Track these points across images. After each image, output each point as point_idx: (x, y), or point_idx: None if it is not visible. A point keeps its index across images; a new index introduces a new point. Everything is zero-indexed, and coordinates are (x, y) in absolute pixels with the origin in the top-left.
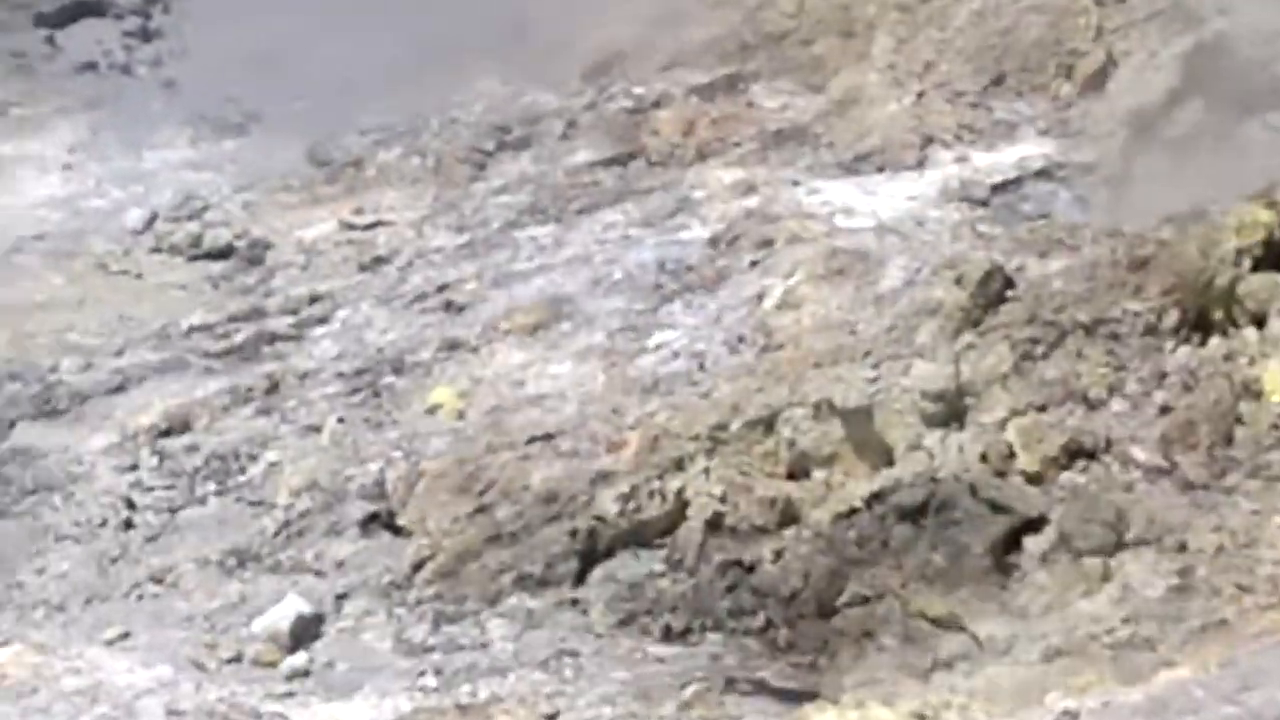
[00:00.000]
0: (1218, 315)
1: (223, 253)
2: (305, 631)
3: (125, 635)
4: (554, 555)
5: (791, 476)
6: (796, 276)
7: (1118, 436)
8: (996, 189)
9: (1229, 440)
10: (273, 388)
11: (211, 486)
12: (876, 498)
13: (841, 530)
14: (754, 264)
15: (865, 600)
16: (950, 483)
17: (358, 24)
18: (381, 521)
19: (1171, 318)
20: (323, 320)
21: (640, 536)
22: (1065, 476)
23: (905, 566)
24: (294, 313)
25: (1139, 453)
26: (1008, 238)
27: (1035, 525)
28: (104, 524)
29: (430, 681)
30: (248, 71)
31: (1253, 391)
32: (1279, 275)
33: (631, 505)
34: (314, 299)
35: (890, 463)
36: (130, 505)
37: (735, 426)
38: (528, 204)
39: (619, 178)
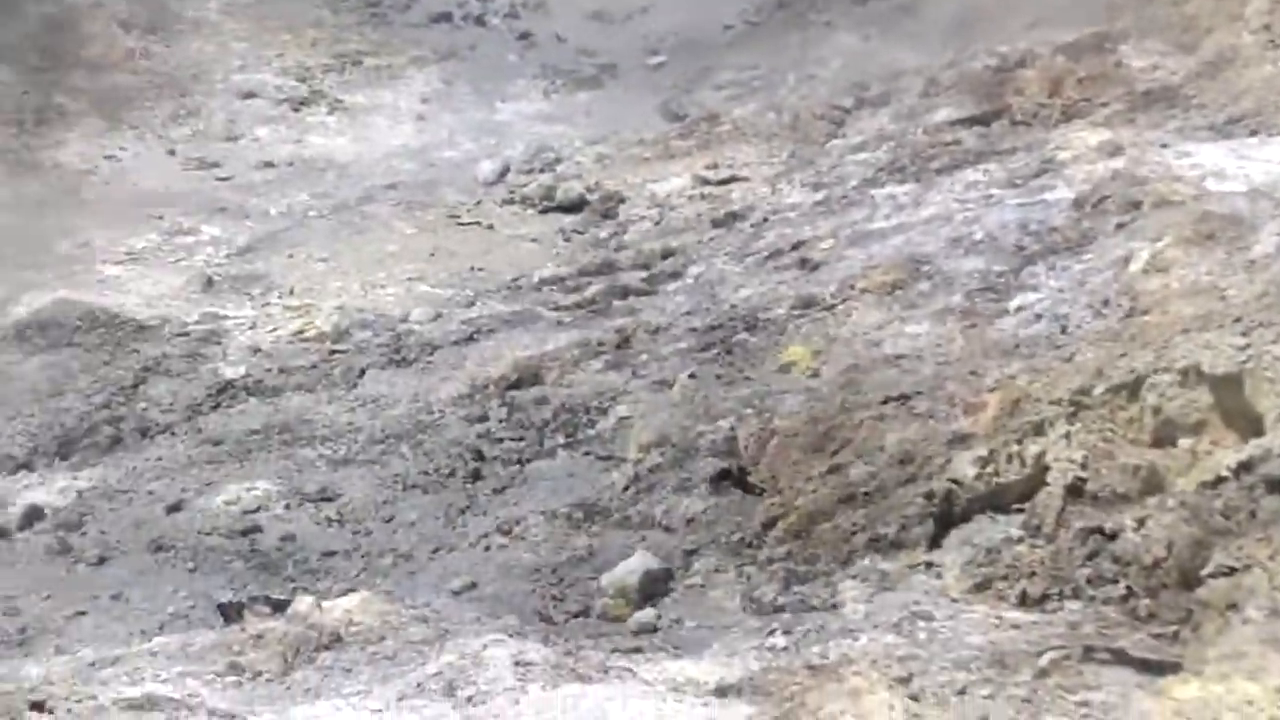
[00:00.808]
0: None
1: (575, 206)
2: (653, 587)
3: (472, 586)
4: (908, 517)
5: (1156, 444)
6: (1164, 240)
7: None
8: None
9: None
10: (624, 342)
11: (560, 439)
12: (1245, 467)
13: (1207, 500)
14: (1120, 227)
15: (1231, 571)
16: None
17: None
18: (732, 479)
19: None
20: (675, 275)
21: (998, 501)
22: None
23: (1274, 539)
24: (646, 267)
25: None
26: None
27: None
28: (452, 474)
29: (780, 641)
30: (603, 25)
31: None
32: None
33: (989, 469)
34: (666, 254)
35: (1260, 432)
36: (479, 456)
37: (1098, 391)
38: (886, 162)
39: (981, 137)
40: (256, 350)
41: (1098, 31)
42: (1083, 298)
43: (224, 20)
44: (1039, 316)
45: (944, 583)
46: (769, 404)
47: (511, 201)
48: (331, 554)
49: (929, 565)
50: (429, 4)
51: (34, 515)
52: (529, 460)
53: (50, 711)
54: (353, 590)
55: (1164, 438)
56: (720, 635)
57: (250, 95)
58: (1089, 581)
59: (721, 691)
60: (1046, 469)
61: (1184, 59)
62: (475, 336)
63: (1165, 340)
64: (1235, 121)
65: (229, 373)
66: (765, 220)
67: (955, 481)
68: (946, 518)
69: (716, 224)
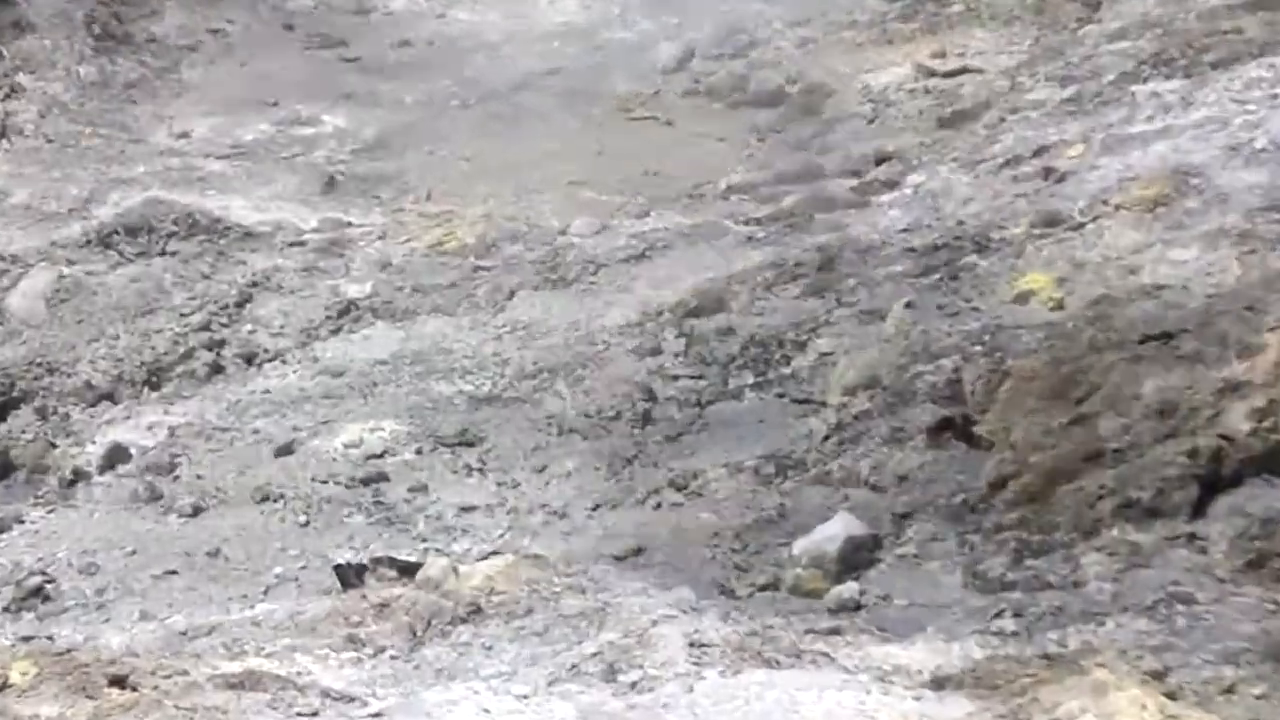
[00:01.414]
0: None
1: (772, 99)
2: (857, 557)
3: (639, 551)
4: (1167, 480)
5: None
6: None
7: None
8: None
9: None
10: (827, 263)
11: (748, 378)
12: None
13: None
14: None
15: None
16: None
17: None
18: (954, 429)
19: None
20: (891, 184)
21: (1276, 462)
22: None
23: None
24: (856, 174)
25: None
26: None
27: None
28: (618, 417)
29: (1009, 624)
30: None
31: None
32: None
33: (1267, 424)
34: (881, 158)
35: None
36: (650, 396)
37: None
38: (1150, 53)
39: (1267, 25)
40: (386, 265)
41: None
42: None
43: None
44: None
45: (1209, 559)
46: (1001, 341)
47: (695, 93)
48: (471, 509)
49: (1191, 538)
50: None
51: (118, 456)
52: (710, 402)
53: (133, 688)
54: (495, 553)
55: None
56: (936, 616)
57: None
58: None
59: (938, 683)
60: None
61: None
62: (648, 254)
63: None
64: None
65: (352, 291)
66: (1002, 121)
67: (1225, 438)
68: (1213, 481)
69: (943, 124)
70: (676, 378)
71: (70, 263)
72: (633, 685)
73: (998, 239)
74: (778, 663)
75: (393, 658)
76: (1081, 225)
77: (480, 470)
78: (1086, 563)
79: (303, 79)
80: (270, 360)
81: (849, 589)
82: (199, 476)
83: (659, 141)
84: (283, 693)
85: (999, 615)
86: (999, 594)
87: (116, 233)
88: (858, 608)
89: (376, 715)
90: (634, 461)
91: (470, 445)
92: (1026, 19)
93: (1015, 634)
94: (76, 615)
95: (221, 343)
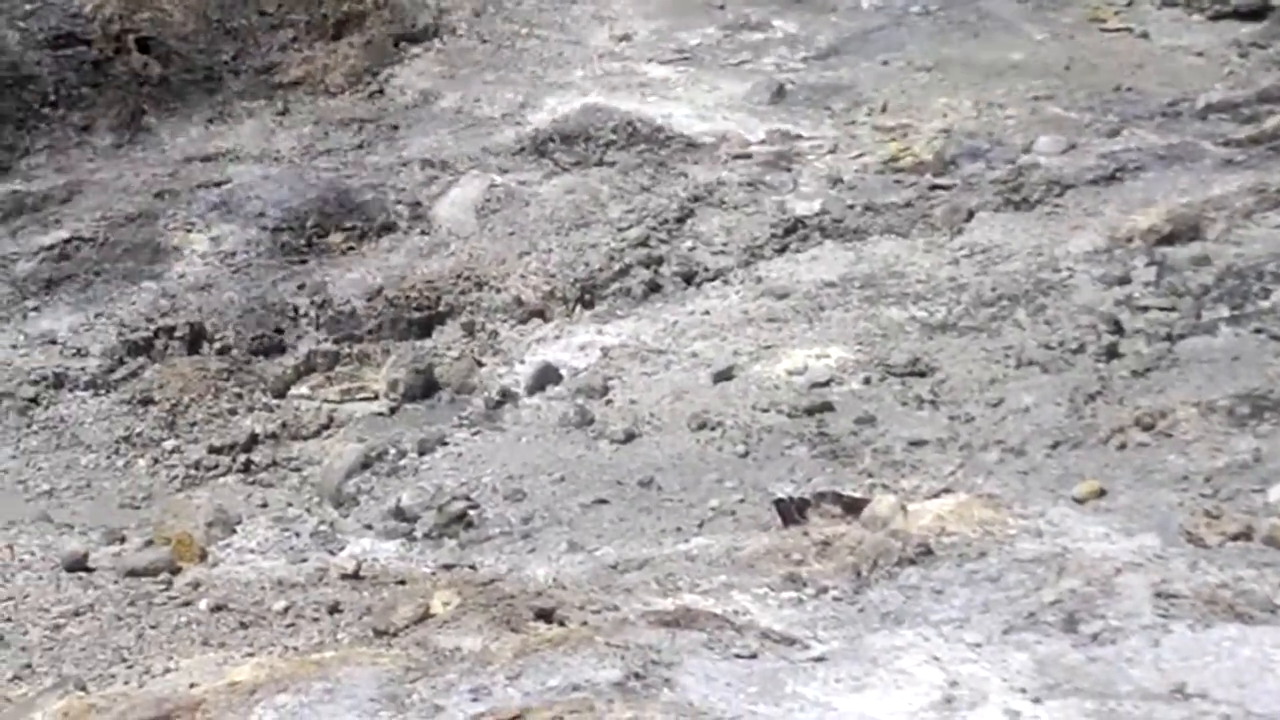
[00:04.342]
0: None
1: (1256, 11)
2: None
3: (1101, 493)
4: None
5: None
6: None
7: None
8: None
9: None
10: None
11: (1224, 312)
12: None
13: None
14: None
15: None
16: None
17: None
18: None
19: None
20: None
21: None
22: None
23: None
24: None
25: None
26: None
27: None
28: (1081, 349)
29: None
30: None
31: None
32: None
33: None
34: None
35: None
36: (1117, 328)
37: None
38: None
39: None
40: (837, 181)
41: None
42: None
43: None
44: None
45: None
46: None
47: (1172, 3)
48: (921, 443)
49: None
50: None
51: (547, 377)
52: (1181, 337)
53: (561, 623)
54: (947, 491)
55: None
56: None
57: None
58: None
59: None
60: None
61: None
62: (1118, 175)
63: None
64: None
65: (800, 208)
66: None
67: None
68: None
69: None
70: (1145, 309)
71: (502, 171)
72: (1094, 637)
73: None
74: (1251, 618)
75: (835, 599)
76: None
77: (932, 402)
78: None
79: None
80: (710, 280)
81: None
82: (632, 401)
83: (1132, 54)
84: (719, 632)
85: None
86: None
87: (552, 140)
88: None
89: (819, 659)
90: (1097, 398)
91: (922, 375)
92: None
93: None
94: (500, 544)
95: (660, 260)
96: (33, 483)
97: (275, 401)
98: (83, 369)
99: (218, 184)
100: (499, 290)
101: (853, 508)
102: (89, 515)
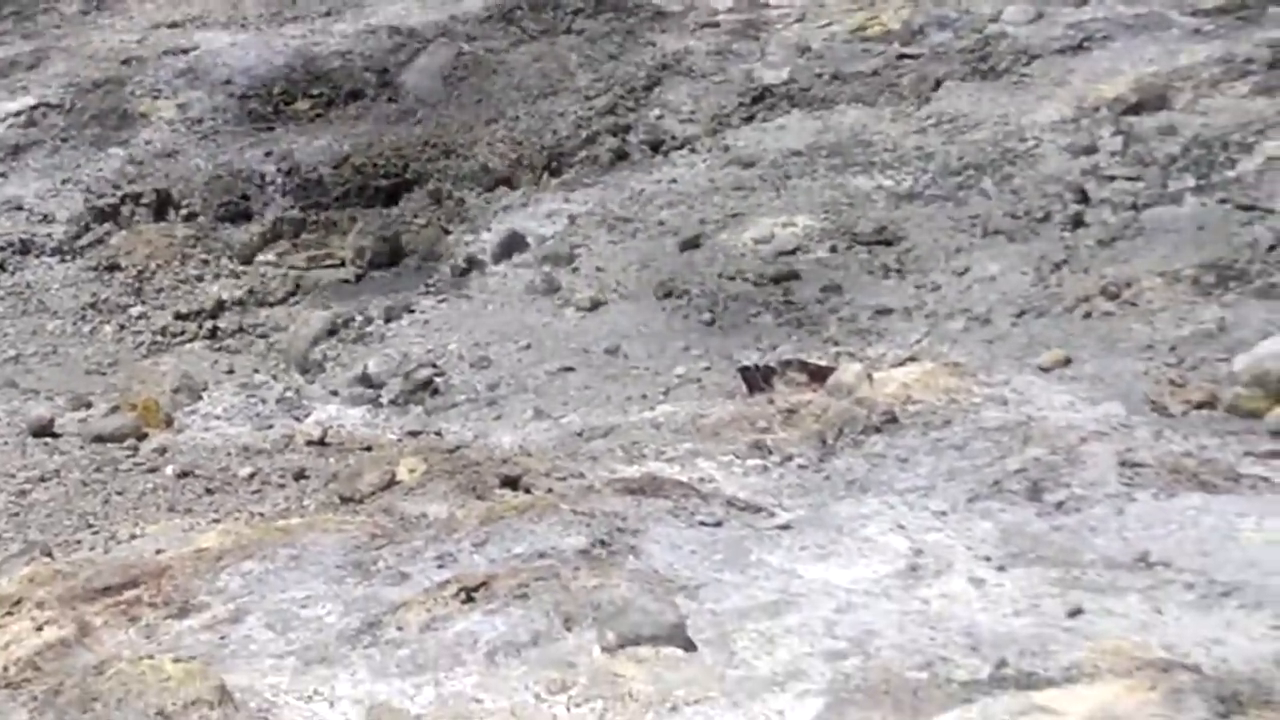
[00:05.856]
0: None
1: None
2: None
3: (1067, 362)
4: None
5: None
6: None
7: None
8: None
9: None
10: (1279, 61)
11: (1189, 181)
12: None
13: None
14: None
15: None
16: None
17: None
18: None
19: None
20: None
21: None
22: None
23: None
24: None
25: None
26: None
27: None
28: (1047, 219)
29: None
30: None
31: None
32: None
33: None
34: None
35: None
36: (1083, 197)
37: None
38: None
39: None
40: (804, 49)
41: None
42: None
43: None
44: None
45: None
46: None
47: None
48: (887, 312)
49: None
50: None
51: (514, 244)
52: (1146, 206)
53: (526, 490)
54: (913, 359)
55: None
56: None
57: None
58: None
59: None
60: None
61: None
62: (1085, 45)
63: None
64: None
65: (768, 76)
66: None
67: None
68: None
69: None
70: (1112, 178)
71: (470, 39)
72: (1058, 505)
73: None
74: (1214, 486)
75: (801, 467)
76: None
77: (898, 271)
78: None
79: None
80: (678, 148)
81: None
82: (599, 269)
83: None
84: (685, 500)
85: None
86: None
87: (519, 8)
88: None
89: (784, 527)
90: (1063, 266)
91: (888, 244)
92: None
93: None
94: (466, 411)
95: (627, 128)
96: None
97: (242, 268)
98: (49, 235)
99: (184, 50)
100: (466, 158)
101: (818, 375)
102: (55, 381)
